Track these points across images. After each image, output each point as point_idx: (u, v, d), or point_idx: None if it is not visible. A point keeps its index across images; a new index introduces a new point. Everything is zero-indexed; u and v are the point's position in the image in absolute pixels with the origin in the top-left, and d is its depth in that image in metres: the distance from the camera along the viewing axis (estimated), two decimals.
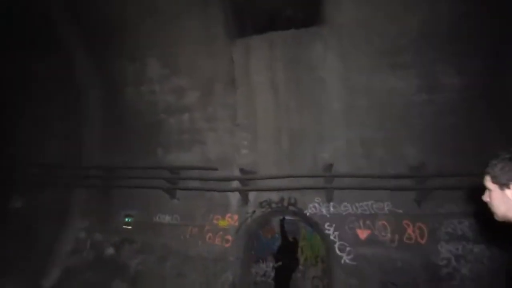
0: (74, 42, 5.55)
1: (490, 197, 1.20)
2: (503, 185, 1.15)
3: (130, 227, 5.49)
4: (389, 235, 4.55)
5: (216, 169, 5.10)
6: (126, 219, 5.52)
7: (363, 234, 4.67)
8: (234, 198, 5.19)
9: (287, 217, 5.62)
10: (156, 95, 5.65)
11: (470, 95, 4.48)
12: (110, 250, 5.34)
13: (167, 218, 5.40)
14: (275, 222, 5.89)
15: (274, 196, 5.05)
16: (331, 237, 4.73)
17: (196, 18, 5.06)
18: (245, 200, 5.10)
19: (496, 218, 1.20)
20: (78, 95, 5.83)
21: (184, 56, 5.35)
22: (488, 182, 1.19)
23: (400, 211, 4.58)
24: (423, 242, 4.43)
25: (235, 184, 5.15)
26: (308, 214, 4.92)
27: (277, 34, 4.91)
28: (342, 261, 4.58)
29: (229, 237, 5.03)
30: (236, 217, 5.13)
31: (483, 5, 4.23)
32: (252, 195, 5.14)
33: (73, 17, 5.39)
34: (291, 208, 5.00)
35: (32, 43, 5.53)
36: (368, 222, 4.66)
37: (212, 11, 5.00)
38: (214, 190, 5.13)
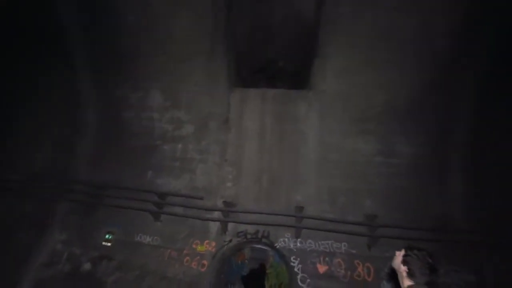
0: (82, 62, 5.92)
1: (400, 270, 2.04)
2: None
3: (109, 244, 5.73)
4: (342, 271, 5.34)
5: (201, 198, 5.67)
6: (107, 236, 5.77)
7: (322, 268, 5.44)
8: (214, 226, 5.75)
9: (258, 246, 6.27)
10: (154, 122, 6.17)
11: (417, 162, 5.61)
12: (87, 266, 5.53)
13: (148, 239, 5.75)
14: (247, 249, 6.50)
15: (250, 228, 5.70)
16: (295, 269, 5.42)
17: (202, 64, 5.77)
18: (224, 229, 5.68)
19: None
20: (76, 111, 6.11)
21: (186, 93, 6.00)
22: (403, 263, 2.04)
23: (354, 251, 5.43)
24: (369, 279, 5.29)
25: (217, 214, 5.73)
26: (278, 247, 5.62)
27: (270, 91, 5.80)
28: None
29: (205, 262, 5.52)
30: (214, 243, 5.65)
31: (432, 91, 5.46)
32: (231, 225, 5.74)
33: (87, 39, 5.79)
34: (264, 240, 5.66)
35: (39, 56, 5.78)
36: (327, 258, 5.45)
37: (217, 61, 5.77)
38: (197, 218, 5.64)
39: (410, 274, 1.96)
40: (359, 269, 5.35)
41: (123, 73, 5.98)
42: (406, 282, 1.97)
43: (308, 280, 5.33)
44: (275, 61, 6.16)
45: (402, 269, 2.02)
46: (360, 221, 5.44)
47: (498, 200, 4.91)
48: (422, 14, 4.82)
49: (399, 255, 2.11)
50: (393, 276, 2.18)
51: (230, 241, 5.69)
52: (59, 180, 5.95)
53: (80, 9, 5.58)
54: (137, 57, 5.79)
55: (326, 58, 5.52)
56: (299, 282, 5.34)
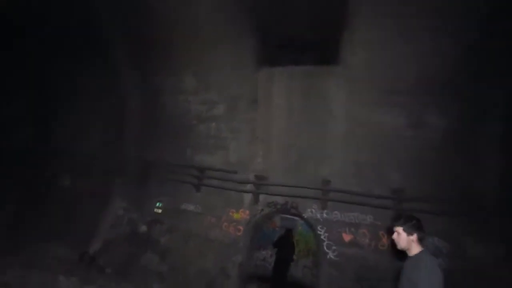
0: (121, 56, 6.60)
1: (398, 236, 2.35)
2: (409, 234, 2.30)
3: (160, 211, 6.74)
4: (367, 241, 5.63)
5: (235, 172, 6.27)
6: (157, 204, 6.77)
7: (347, 237, 5.80)
8: (247, 197, 6.37)
9: (287, 215, 6.82)
10: (190, 104, 6.74)
11: (447, 135, 5.46)
12: (143, 228, 6.63)
13: (191, 207, 6.62)
14: (277, 217, 7.10)
15: (280, 199, 6.20)
16: (322, 237, 5.85)
17: (229, 47, 6.03)
18: (256, 200, 6.28)
19: (398, 247, 2.35)
20: (121, 100, 6.94)
21: (216, 76, 6.38)
22: (399, 229, 2.34)
23: (379, 223, 5.65)
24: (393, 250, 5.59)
25: (249, 186, 6.31)
26: (305, 216, 6.08)
27: (297, 68, 5.89)
28: (328, 257, 5.68)
29: (241, 228, 6.24)
30: (247, 212, 6.31)
31: (470, 60, 5.09)
32: (262, 196, 6.30)
33: (123, 35, 6.38)
34: (292, 210, 6.17)
35: (82, 56, 6.55)
36: (352, 229, 5.77)
37: (243, 42, 5.95)
38: (232, 190, 6.30)
39: (420, 238, 2.33)
40: (384, 240, 5.60)
41: (158, 62, 6.52)
42: (416, 247, 2.31)
43: (334, 247, 5.74)
44: (301, 35, 6.13)
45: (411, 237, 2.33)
46: (386, 194, 5.58)
47: None
48: None
49: (399, 230, 2.39)
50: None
51: (262, 210, 6.28)
52: (113, 159, 6.97)
53: (115, 7, 6.07)
54: (169, 46, 6.23)
55: (355, 30, 5.37)
56: (325, 248, 5.78)
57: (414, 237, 2.32)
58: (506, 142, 5.04)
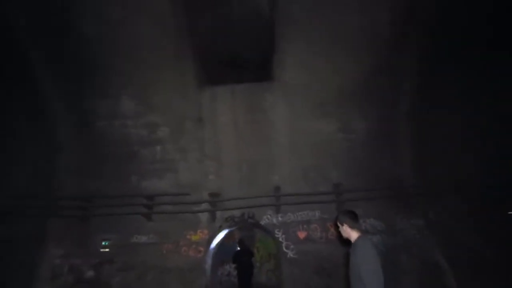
0: (47, 81, 5.77)
1: (339, 229, 2.86)
2: (341, 224, 2.81)
3: (107, 250, 6.08)
4: (319, 234, 6.31)
5: (188, 194, 6.17)
6: (104, 243, 6.10)
7: (302, 235, 6.36)
8: (204, 216, 6.33)
9: (245, 226, 7.03)
10: (128, 129, 6.32)
11: (371, 135, 6.57)
12: (90, 272, 5.88)
13: (143, 238, 6.18)
14: (236, 230, 7.25)
15: (236, 212, 6.38)
16: (280, 239, 6.26)
17: (170, 67, 5.96)
18: (213, 217, 6.30)
19: (343, 236, 2.86)
20: (49, 129, 6.03)
21: (157, 97, 6.19)
22: (337, 223, 2.86)
23: (326, 216, 6.35)
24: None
25: (204, 205, 6.30)
26: (263, 223, 6.42)
27: (238, 86, 6.22)
28: (288, 256, 6.12)
29: (201, 248, 6.15)
30: (206, 231, 6.27)
31: (379, 73, 6.28)
32: (218, 213, 6.36)
33: (48, 58, 5.62)
34: (250, 220, 6.43)
35: (3, 78, 5.50)
36: (305, 226, 6.35)
37: (184, 62, 5.97)
38: (187, 212, 6.18)
39: (351, 226, 2.79)
40: (332, 229, 6.34)
41: (89, 85, 5.95)
42: (353, 234, 2.77)
43: (292, 246, 6.22)
44: (239, 54, 6.51)
45: (345, 227, 2.81)
46: (329, 190, 6.37)
47: (438, 161, 6.10)
48: (367, 7, 5.43)
49: (337, 224, 2.91)
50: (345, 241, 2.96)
51: (220, 226, 6.35)
52: (45, 199, 5.98)
53: (39, 28, 5.34)
54: (102, 68, 5.77)
55: (285, 52, 6.01)
56: (285, 249, 6.20)
57: (346, 226, 2.81)
58: (414, 135, 6.39)
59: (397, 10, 5.57)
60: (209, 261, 6.33)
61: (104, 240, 6.11)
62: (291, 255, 6.17)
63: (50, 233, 6.03)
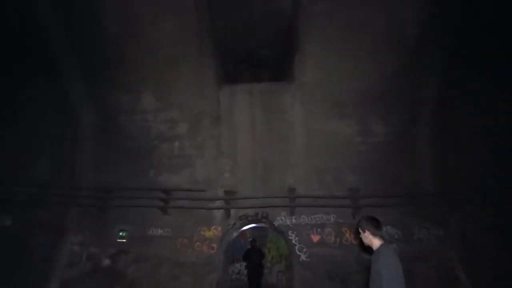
0: (73, 75, 6.04)
1: (361, 236, 2.79)
2: (363, 231, 2.73)
3: (124, 240, 6.27)
4: (333, 238, 6.23)
5: (204, 191, 6.25)
6: (120, 233, 6.29)
7: (315, 238, 6.29)
8: (218, 213, 6.39)
9: (258, 225, 7.03)
10: (149, 123, 6.50)
11: (391, 139, 6.41)
12: (107, 261, 6.08)
13: (159, 231, 6.32)
14: (249, 229, 7.26)
15: (251, 211, 6.39)
16: (293, 241, 6.22)
17: (191, 65, 6.07)
18: (227, 215, 6.34)
19: (365, 243, 2.78)
20: (73, 121, 6.30)
21: (177, 94, 6.32)
22: (360, 229, 2.78)
23: (341, 221, 6.27)
24: (355, 243, 6.27)
25: (219, 202, 6.35)
26: (276, 224, 6.40)
27: (256, 85, 6.24)
28: (300, 259, 6.08)
29: (214, 245, 6.21)
30: (220, 228, 6.32)
31: (401, 76, 6.11)
32: (233, 211, 6.40)
33: (75, 53, 5.89)
34: (263, 220, 6.42)
35: (31, 71, 5.78)
36: (319, 229, 6.28)
37: (204, 61, 6.08)
38: (202, 208, 6.25)
39: (373, 234, 2.71)
40: (347, 235, 6.24)
41: (113, 80, 6.16)
42: (375, 241, 2.69)
43: (305, 249, 6.17)
44: (259, 53, 6.55)
45: (367, 234, 2.73)
46: (345, 194, 6.24)
47: (458, 168, 5.84)
48: (391, 8, 5.31)
49: (359, 230, 2.83)
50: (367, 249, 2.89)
51: (234, 224, 6.39)
52: (65, 188, 6.24)
53: (66, 24, 5.60)
54: (125, 64, 5.97)
55: (306, 52, 5.97)
56: (297, 251, 6.17)
57: (368, 233, 2.74)
58: (434, 141, 6.16)
59: (421, 11, 5.40)
60: (221, 257, 6.37)
61: (121, 231, 6.30)
62: (304, 258, 6.11)
63: (70, 221, 6.29)
